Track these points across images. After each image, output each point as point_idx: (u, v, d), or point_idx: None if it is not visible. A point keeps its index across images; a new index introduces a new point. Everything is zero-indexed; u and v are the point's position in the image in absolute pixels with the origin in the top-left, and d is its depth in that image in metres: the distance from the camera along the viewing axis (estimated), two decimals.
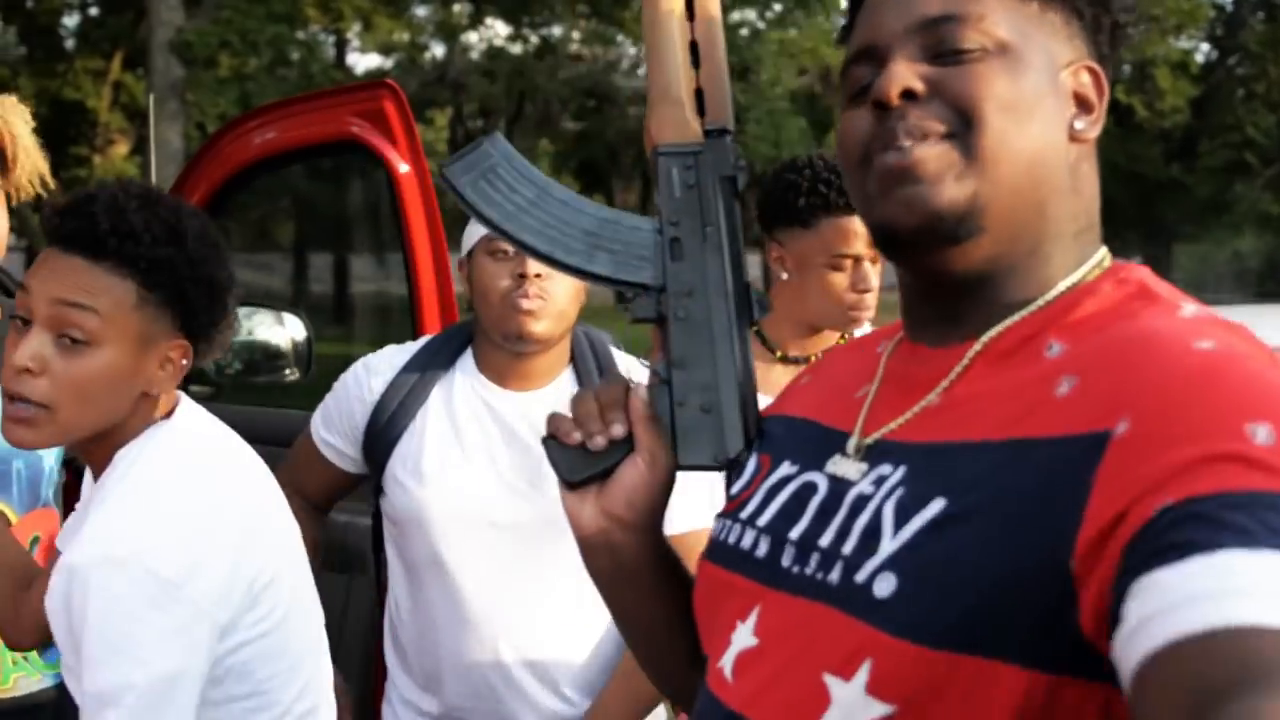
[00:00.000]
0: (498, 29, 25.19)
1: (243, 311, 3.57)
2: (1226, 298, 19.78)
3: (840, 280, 2.18)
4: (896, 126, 0.90)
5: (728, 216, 1.06)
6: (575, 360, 2.08)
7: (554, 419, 1.07)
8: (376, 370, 2.10)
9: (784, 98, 19.85)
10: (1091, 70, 0.94)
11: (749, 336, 1.06)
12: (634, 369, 2.10)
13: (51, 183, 2.02)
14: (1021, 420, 0.84)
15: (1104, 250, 0.95)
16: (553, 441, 1.06)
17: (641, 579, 1.08)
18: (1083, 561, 0.75)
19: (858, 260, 2.17)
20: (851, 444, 0.95)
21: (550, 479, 1.98)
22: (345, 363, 2.18)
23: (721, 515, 1.03)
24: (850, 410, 0.98)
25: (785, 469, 0.99)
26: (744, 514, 0.99)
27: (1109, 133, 1.22)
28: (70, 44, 21.84)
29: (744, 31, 21.23)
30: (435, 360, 2.10)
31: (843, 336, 2.35)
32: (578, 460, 1.04)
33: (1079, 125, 0.93)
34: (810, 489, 0.94)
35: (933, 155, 0.89)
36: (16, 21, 20.33)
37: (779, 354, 2.34)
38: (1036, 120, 0.90)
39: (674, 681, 1.15)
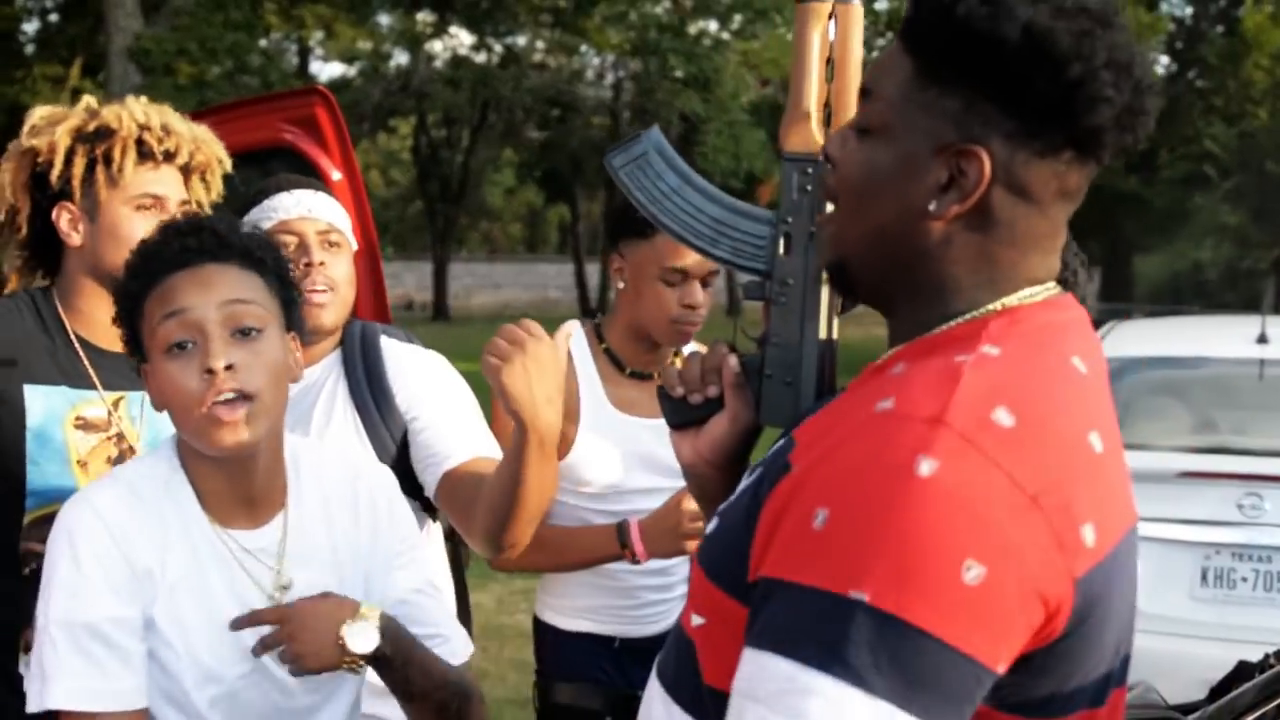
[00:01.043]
0: (461, 38, 25.19)
1: None
2: (1186, 308, 19.92)
3: (669, 295, 2.27)
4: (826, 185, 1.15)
5: None
6: (344, 342, 2.14)
7: (668, 373, 1.30)
8: None
9: (744, 109, 19.89)
10: (970, 153, 0.99)
11: (834, 324, 1.25)
12: (398, 352, 2.14)
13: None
14: (816, 418, 1.04)
15: (1004, 299, 1.04)
16: (663, 391, 1.29)
17: (719, 503, 1.24)
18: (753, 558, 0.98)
19: (687, 275, 2.26)
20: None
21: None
22: None
23: None
24: None
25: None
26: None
27: None
28: (29, 50, 21.70)
29: (706, 42, 21.27)
30: None
31: (676, 354, 2.40)
32: (680, 409, 1.28)
33: (931, 206, 1.01)
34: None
35: (829, 221, 1.12)
36: None
37: (628, 371, 2.38)
38: (884, 201, 1.04)
39: None
